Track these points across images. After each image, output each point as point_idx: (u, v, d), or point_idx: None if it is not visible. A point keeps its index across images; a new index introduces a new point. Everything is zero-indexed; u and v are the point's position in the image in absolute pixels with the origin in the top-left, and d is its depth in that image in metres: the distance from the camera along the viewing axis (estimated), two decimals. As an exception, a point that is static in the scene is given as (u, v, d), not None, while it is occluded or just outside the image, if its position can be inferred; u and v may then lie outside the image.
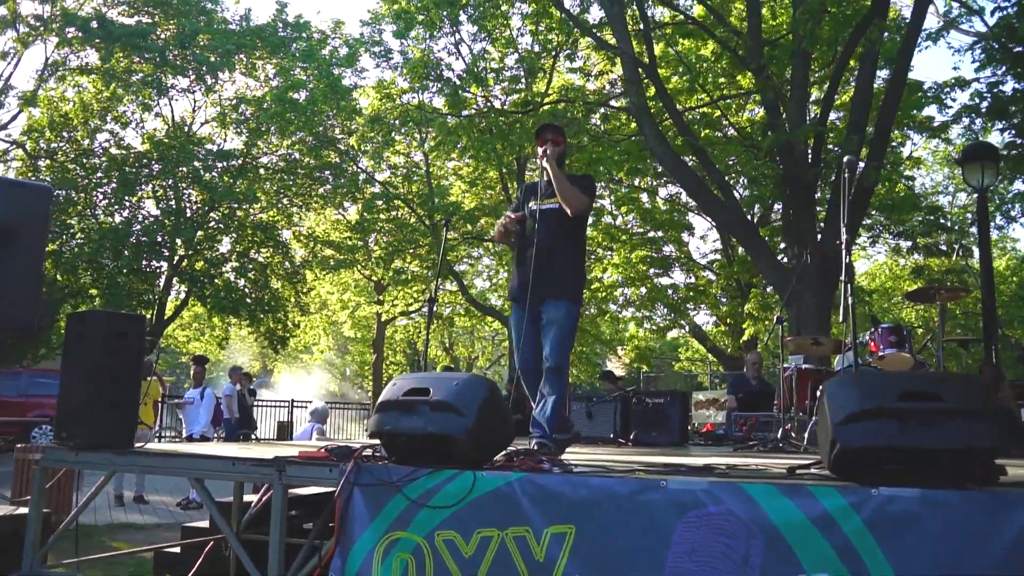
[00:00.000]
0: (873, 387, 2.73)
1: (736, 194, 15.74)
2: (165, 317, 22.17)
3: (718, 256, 22.02)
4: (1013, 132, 12.02)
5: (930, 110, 15.65)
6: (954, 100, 14.34)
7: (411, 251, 21.83)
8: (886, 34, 11.05)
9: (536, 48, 18.40)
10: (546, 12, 15.95)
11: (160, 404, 12.77)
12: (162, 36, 20.35)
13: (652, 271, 21.53)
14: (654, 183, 20.48)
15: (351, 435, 18.94)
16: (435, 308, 6.01)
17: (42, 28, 19.32)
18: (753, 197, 16.71)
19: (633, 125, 14.62)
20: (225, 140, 22.56)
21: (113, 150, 20.74)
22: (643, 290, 21.80)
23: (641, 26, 12.90)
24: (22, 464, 7.69)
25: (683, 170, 12.18)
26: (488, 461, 3.22)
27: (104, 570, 5.67)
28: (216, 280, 21.16)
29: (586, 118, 15.82)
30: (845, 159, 3.90)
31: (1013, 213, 18.18)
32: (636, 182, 19.78)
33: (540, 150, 4.34)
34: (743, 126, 17.25)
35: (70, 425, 4.07)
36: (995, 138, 15.24)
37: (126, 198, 20.54)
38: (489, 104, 17.62)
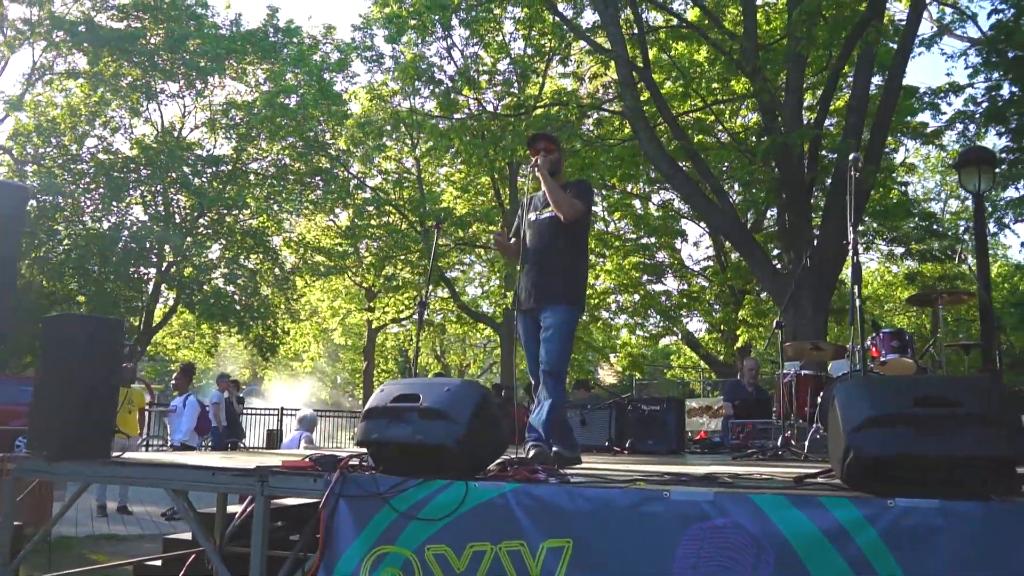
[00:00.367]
0: (887, 392, 2.62)
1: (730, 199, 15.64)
2: (153, 324, 21.97)
3: (711, 263, 21.93)
4: (1009, 137, 11.97)
5: (924, 116, 15.70)
6: (949, 105, 14.32)
7: (402, 257, 21.65)
8: (883, 39, 10.99)
9: (529, 51, 18.31)
10: (539, 16, 15.86)
11: (147, 413, 12.54)
12: (152, 41, 20.17)
13: (645, 278, 21.44)
14: (647, 189, 20.38)
15: (341, 443, 18.72)
16: (426, 314, 5.92)
17: (29, 32, 19.16)
18: (747, 203, 16.65)
19: (626, 130, 14.52)
20: (215, 145, 22.47)
21: (101, 155, 20.51)
22: (636, 297, 21.71)
23: (635, 30, 12.83)
24: (2, 475, 7.48)
25: (678, 174, 12.07)
26: (481, 471, 3.08)
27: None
28: (205, 287, 20.98)
29: (579, 122, 15.72)
30: (851, 156, 3.79)
31: (1006, 220, 18.19)
32: (629, 188, 19.69)
33: (532, 160, 4.39)
34: (737, 131, 17.19)
35: (44, 434, 3.89)
36: (989, 144, 15.25)
37: (114, 204, 20.33)
38: (481, 107, 17.50)
